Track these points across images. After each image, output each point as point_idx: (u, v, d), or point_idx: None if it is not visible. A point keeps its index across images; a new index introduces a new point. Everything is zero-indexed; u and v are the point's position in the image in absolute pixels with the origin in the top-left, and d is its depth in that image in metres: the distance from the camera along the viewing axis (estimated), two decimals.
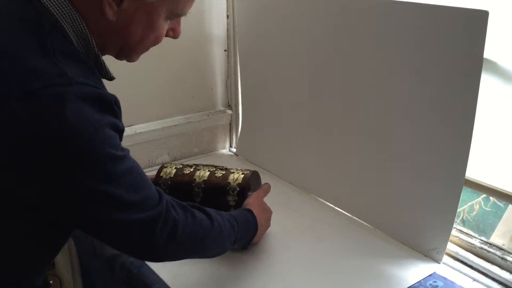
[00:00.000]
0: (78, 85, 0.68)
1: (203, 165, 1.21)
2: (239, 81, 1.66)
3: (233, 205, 1.12)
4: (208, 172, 1.17)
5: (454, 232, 1.15)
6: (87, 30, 0.74)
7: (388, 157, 1.21)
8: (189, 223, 0.83)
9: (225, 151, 1.74)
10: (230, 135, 1.75)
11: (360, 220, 1.28)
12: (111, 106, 0.72)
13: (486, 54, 0.97)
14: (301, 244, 1.18)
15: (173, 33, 0.85)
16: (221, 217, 0.92)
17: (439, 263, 1.10)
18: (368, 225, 1.26)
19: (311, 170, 1.44)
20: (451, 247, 1.13)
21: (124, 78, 1.59)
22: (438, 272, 1.07)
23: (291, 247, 1.17)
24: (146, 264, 1.08)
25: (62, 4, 0.71)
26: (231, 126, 1.73)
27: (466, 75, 1.01)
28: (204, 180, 1.15)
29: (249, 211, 1.04)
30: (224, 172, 1.16)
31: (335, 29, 1.26)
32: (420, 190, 1.14)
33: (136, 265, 1.08)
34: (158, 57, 1.54)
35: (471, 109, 1.00)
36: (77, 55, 0.73)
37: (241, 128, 1.69)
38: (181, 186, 1.16)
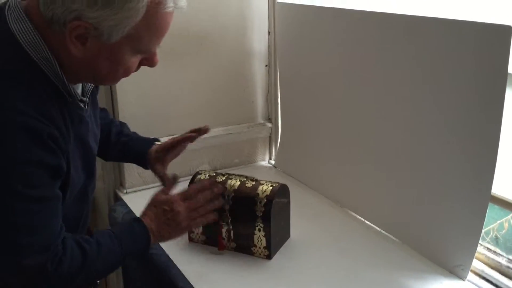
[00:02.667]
0: (8, 112, 0.78)
1: (235, 175, 1.26)
2: (279, 96, 1.72)
3: (260, 215, 1.17)
4: (239, 182, 1.22)
5: (480, 249, 1.14)
6: (49, 53, 0.83)
7: (418, 174, 1.22)
8: (75, 262, 0.88)
9: (265, 163, 1.80)
10: (269, 148, 1.80)
11: (388, 235, 1.29)
12: (40, 140, 0.80)
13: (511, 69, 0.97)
14: (326, 255, 1.21)
15: (148, 62, 0.91)
16: (97, 245, 0.92)
17: (463, 280, 1.10)
18: (396, 239, 1.26)
19: (345, 184, 1.46)
20: (476, 264, 1.12)
21: (167, 89, 1.70)
22: None
23: (316, 257, 1.21)
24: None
25: (27, 30, 0.82)
26: (271, 139, 1.79)
27: (491, 89, 1.01)
28: (234, 189, 1.20)
29: (137, 220, 1.00)
30: (254, 183, 1.21)
31: (372, 46, 1.29)
32: (446, 207, 1.15)
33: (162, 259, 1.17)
34: (201, 70, 1.63)
35: (496, 124, 1.01)
36: (38, 79, 0.83)
37: (280, 141, 1.74)
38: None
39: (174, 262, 1.20)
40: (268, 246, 1.19)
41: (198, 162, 1.69)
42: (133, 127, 1.31)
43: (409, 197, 1.24)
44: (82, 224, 1.04)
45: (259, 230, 1.18)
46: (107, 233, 0.98)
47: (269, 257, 1.20)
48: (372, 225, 1.34)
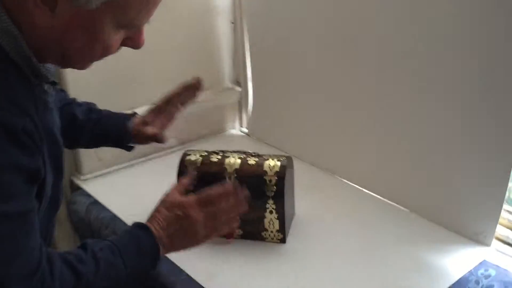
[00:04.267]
0: None
1: (231, 152, 1.10)
2: (248, 56, 1.54)
3: (272, 196, 1.02)
4: (239, 160, 1.06)
5: (503, 213, 1.08)
6: (11, 24, 0.64)
7: (424, 132, 1.13)
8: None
9: (235, 131, 1.64)
10: (240, 114, 1.64)
11: (393, 203, 1.20)
12: (15, 137, 0.63)
13: None
14: (335, 232, 1.11)
15: (132, 42, 0.74)
16: (94, 262, 0.75)
17: (488, 246, 1.04)
18: (403, 208, 1.19)
19: (334, 149, 1.35)
20: (500, 230, 1.07)
21: (123, 59, 1.45)
22: (488, 259, 1.01)
23: (329, 234, 1.09)
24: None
25: None
26: (241, 104, 1.62)
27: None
28: (236, 169, 1.04)
29: (142, 227, 0.83)
30: (257, 159, 1.06)
31: None
32: (463, 168, 1.07)
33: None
34: (158, 30, 1.40)
35: None
36: None
37: (252, 106, 1.58)
38: (210, 177, 1.05)
39: (179, 266, 1.01)
40: (281, 229, 1.05)
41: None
42: None
43: (417, 160, 1.16)
44: (49, 237, 0.85)
45: (271, 212, 1.04)
46: (105, 245, 0.79)
47: (283, 240, 1.06)
48: (372, 193, 1.25)
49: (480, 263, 0.99)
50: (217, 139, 1.57)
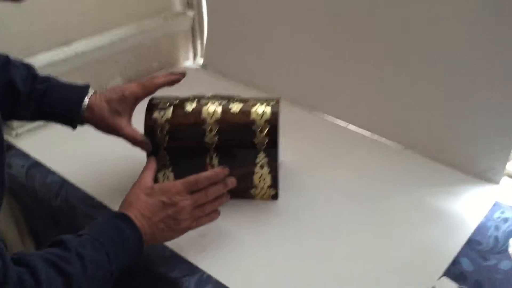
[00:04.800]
0: None
1: (208, 97, 0.90)
2: None
3: (263, 148, 0.86)
4: (220, 107, 0.87)
5: None
6: None
7: (422, 53, 0.99)
8: None
9: (190, 63, 1.42)
10: (193, 44, 1.41)
11: (388, 141, 1.08)
12: None
13: None
14: (330, 179, 0.97)
15: None
16: (79, 261, 0.62)
17: (497, 184, 0.96)
18: (396, 144, 1.07)
19: (310, 80, 1.19)
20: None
21: None
22: (500, 200, 0.92)
23: (323, 182, 0.96)
24: None
25: None
26: (194, 31, 1.39)
27: None
28: (217, 120, 0.86)
29: (124, 218, 0.71)
30: (241, 105, 0.88)
31: None
32: (465, 96, 0.96)
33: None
34: None
35: None
36: None
37: (208, 34, 1.35)
38: (186, 132, 0.86)
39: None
40: (274, 184, 0.90)
41: (107, 75, 1.25)
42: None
43: (413, 88, 1.03)
44: None
45: (261, 166, 0.88)
46: (86, 241, 0.64)
47: (275, 197, 0.92)
48: (363, 130, 1.12)
49: (494, 205, 0.91)
50: None
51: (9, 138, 1.11)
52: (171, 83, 0.89)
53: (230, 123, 0.86)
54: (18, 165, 1.05)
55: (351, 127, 1.13)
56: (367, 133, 1.10)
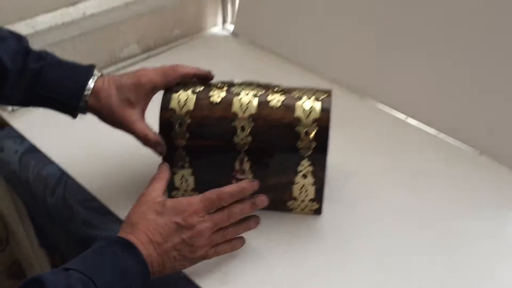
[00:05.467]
0: None
1: (239, 84, 0.72)
2: None
3: (308, 154, 0.67)
4: (256, 99, 0.69)
5: None
6: None
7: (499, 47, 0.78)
8: None
9: (218, 29, 1.22)
10: (223, 5, 1.20)
11: (451, 140, 0.88)
12: None
13: None
14: (385, 187, 0.79)
15: None
16: None
17: None
18: (469, 147, 0.87)
19: (361, 61, 0.99)
20: None
21: None
22: None
23: (373, 194, 0.77)
24: None
25: None
26: None
27: None
28: (252, 115, 0.67)
29: (128, 246, 0.55)
30: (283, 98, 0.69)
31: None
32: None
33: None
34: None
35: None
36: None
37: None
38: (211, 128, 0.68)
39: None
40: (318, 197, 0.72)
41: (121, 43, 1.06)
42: None
43: (488, 84, 0.83)
44: None
45: (304, 176, 0.70)
46: (75, 280, 0.50)
47: (318, 211, 0.74)
48: (429, 128, 0.92)
49: None
50: (194, 44, 1.15)
51: (3, 114, 0.94)
52: (198, 76, 0.71)
53: (268, 120, 0.67)
54: (11, 150, 0.88)
55: (411, 121, 0.93)
56: (431, 130, 0.91)
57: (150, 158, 0.74)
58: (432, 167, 0.83)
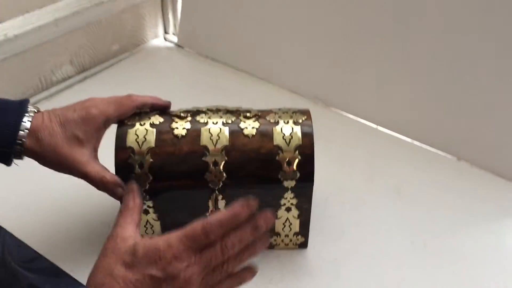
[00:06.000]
0: None
1: (205, 111, 0.62)
2: None
3: (291, 186, 0.59)
4: (227, 128, 0.59)
5: None
6: None
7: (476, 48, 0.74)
8: None
9: (159, 41, 1.10)
10: (163, 15, 1.09)
11: (437, 151, 0.84)
12: None
13: None
14: (375, 212, 0.72)
15: None
16: None
17: None
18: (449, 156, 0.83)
19: (319, 69, 0.92)
20: None
21: None
22: None
23: (363, 221, 0.71)
24: None
25: None
26: (164, 0, 1.07)
27: None
28: (225, 148, 0.58)
29: None
30: (258, 124, 0.60)
31: None
32: None
33: None
34: None
35: None
36: None
37: (183, 3, 1.04)
38: (179, 167, 0.58)
39: None
40: (303, 231, 0.65)
41: (52, 64, 0.93)
42: None
43: (462, 89, 0.79)
44: None
45: (288, 209, 0.62)
46: None
47: (304, 245, 0.67)
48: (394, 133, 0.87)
49: None
50: (135, 58, 1.04)
51: None
52: (156, 107, 0.61)
53: (244, 151, 0.58)
54: None
55: (383, 129, 0.88)
56: (405, 138, 0.86)
57: (107, 199, 0.63)
58: (414, 177, 0.78)
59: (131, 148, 0.58)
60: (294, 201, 0.61)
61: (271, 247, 0.66)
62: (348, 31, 0.86)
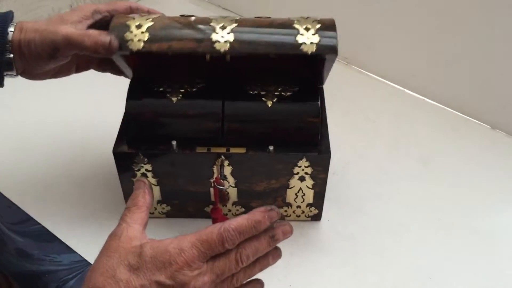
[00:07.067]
0: None
1: (217, 18, 0.51)
2: None
3: (308, 165, 0.52)
4: (235, 24, 0.49)
5: None
6: None
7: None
8: None
9: None
10: None
11: (456, 112, 0.76)
12: None
13: None
14: (400, 177, 0.65)
15: None
16: None
17: None
18: (481, 123, 0.75)
19: (342, 24, 0.83)
20: None
21: None
22: None
23: (384, 185, 0.64)
24: None
25: None
26: None
27: None
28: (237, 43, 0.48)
29: None
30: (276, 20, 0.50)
31: None
32: None
33: None
34: None
35: None
36: None
37: None
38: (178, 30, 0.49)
39: None
40: (318, 202, 0.58)
41: (52, 7, 0.85)
42: None
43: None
44: None
45: (302, 179, 0.55)
46: None
47: (317, 217, 0.60)
48: (436, 103, 0.78)
49: None
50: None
51: None
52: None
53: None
54: None
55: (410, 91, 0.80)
56: (433, 102, 0.78)
57: (103, 162, 0.57)
58: (442, 146, 0.70)
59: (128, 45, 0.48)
60: (309, 170, 0.54)
61: (281, 218, 0.60)
62: None
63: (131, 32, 0.48)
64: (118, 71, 0.57)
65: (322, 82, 0.56)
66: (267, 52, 0.47)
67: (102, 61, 0.57)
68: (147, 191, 0.46)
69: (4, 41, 0.49)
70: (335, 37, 0.48)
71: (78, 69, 0.56)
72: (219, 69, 0.57)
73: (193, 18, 0.50)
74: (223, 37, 0.47)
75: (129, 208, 0.45)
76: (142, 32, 0.48)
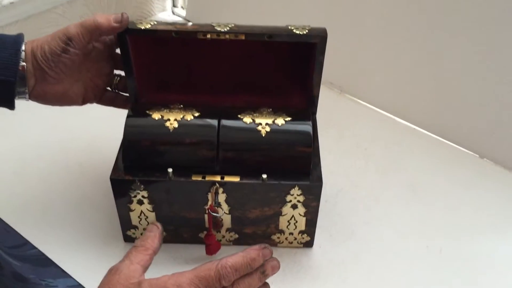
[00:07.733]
0: None
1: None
2: None
3: (301, 194, 0.54)
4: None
5: None
6: None
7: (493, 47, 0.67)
8: None
9: (167, 15, 1.04)
10: None
11: (445, 141, 0.78)
12: None
13: None
14: (388, 210, 0.67)
15: None
16: None
17: None
18: (470, 152, 0.77)
19: (335, 53, 0.85)
20: None
21: None
22: None
23: (376, 212, 0.65)
24: None
25: None
26: None
27: None
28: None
29: None
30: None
31: None
32: None
33: None
34: None
35: None
36: None
37: None
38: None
39: None
40: (310, 229, 0.60)
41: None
42: None
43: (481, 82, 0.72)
44: None
45: (294, 207, 0.57)
46: None
47: (309, 244, 0.62)
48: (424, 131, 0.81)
49: None
50: None
51: None
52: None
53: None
54: None
55: (400, 120, 0.82)
56: (423, 131, 0.80)
57: (100, 187, 0.58)
58: (431, 174, 0.72)
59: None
60: (301, 198, 0.56)
61: (275, 245, 0.61)
62: (368, 17, 0.80)
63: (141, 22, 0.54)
64: (120, 105, 0.60)
65: (315, 106, 0.59)
66: (262, 32, 0.53)
67: (107, 96, 0.59)
68: (158, 237, 0.47)
69: (18, 48, 0.51)
70: (325, 29, 0.54)
71: (85, 101, 0.58)
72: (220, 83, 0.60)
73: (190, 23, 0.54)
74: (223, 25, 0.54)
75: (137, 247, 0.46)
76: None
